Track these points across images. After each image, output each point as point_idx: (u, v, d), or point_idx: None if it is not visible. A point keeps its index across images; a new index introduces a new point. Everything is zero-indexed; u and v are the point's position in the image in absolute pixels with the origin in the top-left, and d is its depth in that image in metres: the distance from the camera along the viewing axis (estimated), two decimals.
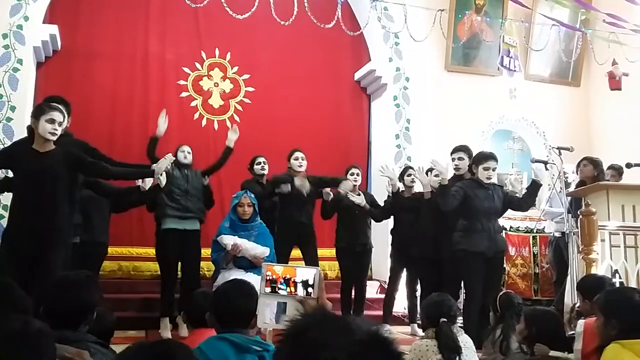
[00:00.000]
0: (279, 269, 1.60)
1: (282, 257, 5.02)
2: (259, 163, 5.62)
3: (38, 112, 3.70)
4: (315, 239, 5.43)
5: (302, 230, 5.29)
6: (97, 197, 4.66)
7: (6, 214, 5.07)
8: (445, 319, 2.84)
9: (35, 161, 3.65)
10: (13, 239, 3.63)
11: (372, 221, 5.65)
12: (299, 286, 1.59)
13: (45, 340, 1.24)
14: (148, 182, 4.63)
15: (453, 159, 5.16)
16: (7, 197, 5.02)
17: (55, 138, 3.68)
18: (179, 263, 5.11)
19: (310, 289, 1.59)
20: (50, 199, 3.63)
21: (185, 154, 5.24)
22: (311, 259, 5.26)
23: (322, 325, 0.95)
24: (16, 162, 3.72)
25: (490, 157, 4.78)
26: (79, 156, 3.81)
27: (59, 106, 3.80)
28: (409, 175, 5.54)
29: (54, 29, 6.24)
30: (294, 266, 1.61)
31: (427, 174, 5.13)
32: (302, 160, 5.40)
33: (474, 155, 5.00)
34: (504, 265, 5.73)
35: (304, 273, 1.60)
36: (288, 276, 1.60)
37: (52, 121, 3.64)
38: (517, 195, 5.08)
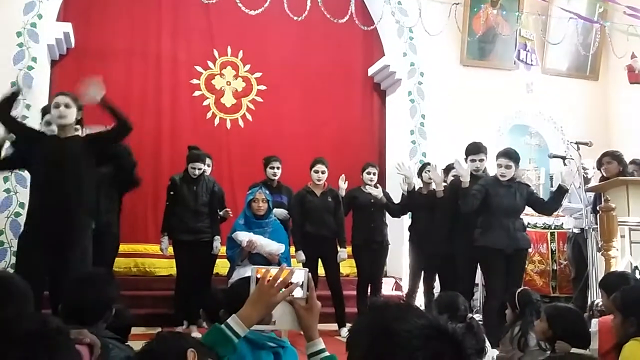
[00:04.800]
0: (273, 271, 1.58)
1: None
2: (272, 167, 5.45)
3: (49, 104, 3.74)
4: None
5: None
6: (107, 189, 4.59)
7: (23, 212, 5.10)
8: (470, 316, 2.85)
9: (56, 145, 3.62)
10: (36, 224, 3.55)
11: (388, 218, 5.60)
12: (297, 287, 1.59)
13: (63, 338, 1.22)
14: None
15: (474, 160, 4.99)
16: (25, 195, 5.05)
17: (65, 121, 3.61)
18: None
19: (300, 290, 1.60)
20: (73, 181, 3.57)
21: (196, 171, 5.11)
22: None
23: (403, 306, 1.03)
24: (36, 141, 3.66)
25: (503, 154, 4.69)
26: (98, 132, 3.82)
27: (65, 91, 3.79)
28: (427, 171, 5.47)
29: (67, 26, 6.26)
30: (288, 268, 1.59)
31: (448, 171, 5.06)
32: (322, 173, 5.30)
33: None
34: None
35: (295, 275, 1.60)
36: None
37: (57, 105, 3.60)
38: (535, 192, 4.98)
